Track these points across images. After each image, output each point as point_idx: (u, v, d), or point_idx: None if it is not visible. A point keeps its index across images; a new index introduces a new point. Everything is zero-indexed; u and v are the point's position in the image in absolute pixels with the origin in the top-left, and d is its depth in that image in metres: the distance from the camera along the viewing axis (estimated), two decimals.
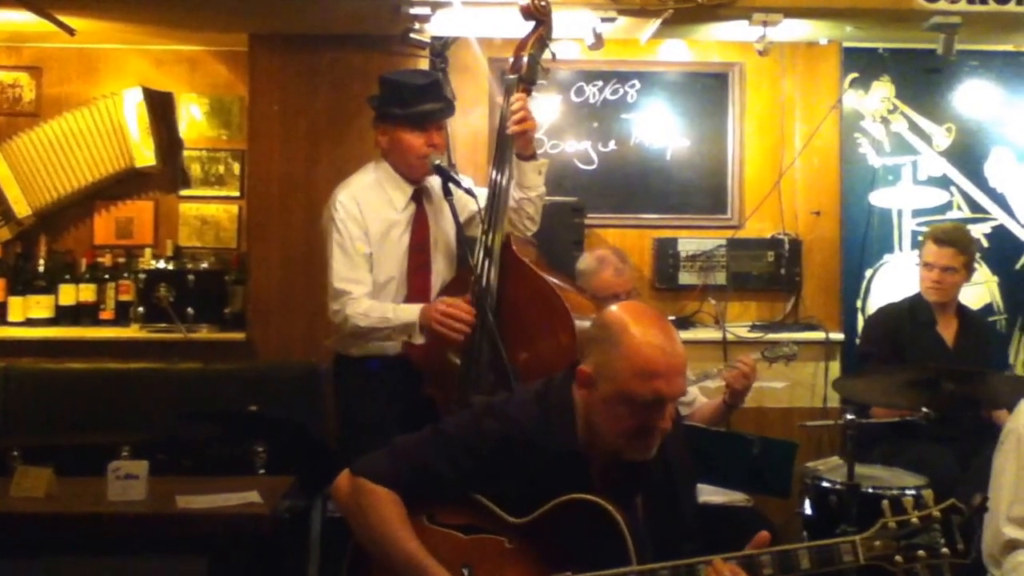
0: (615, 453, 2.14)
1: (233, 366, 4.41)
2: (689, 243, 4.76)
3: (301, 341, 4.42)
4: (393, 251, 3.36)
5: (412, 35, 4.19)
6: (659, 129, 4.84)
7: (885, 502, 1.91)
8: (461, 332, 3.06)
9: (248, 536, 3.04)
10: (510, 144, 3.29)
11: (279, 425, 3.73)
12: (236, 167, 4.88)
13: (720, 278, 4.74)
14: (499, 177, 3.24)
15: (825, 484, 3.33)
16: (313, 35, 4.52)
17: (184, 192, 4.90)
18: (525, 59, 3.32)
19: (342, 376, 3.51)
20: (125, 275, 4.69)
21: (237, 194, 4.88)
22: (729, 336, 4.55)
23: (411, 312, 3.21)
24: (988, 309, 4.85)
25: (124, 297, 4.67)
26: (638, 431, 2.07)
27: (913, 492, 3.10)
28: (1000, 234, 4.90)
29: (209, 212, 4.89)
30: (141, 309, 4.54)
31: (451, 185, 3.25)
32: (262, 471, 3.54)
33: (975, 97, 4.89)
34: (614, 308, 2.20)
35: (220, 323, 4.59)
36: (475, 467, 2.15)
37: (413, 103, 3.33)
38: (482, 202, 3.23)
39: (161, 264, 4.63)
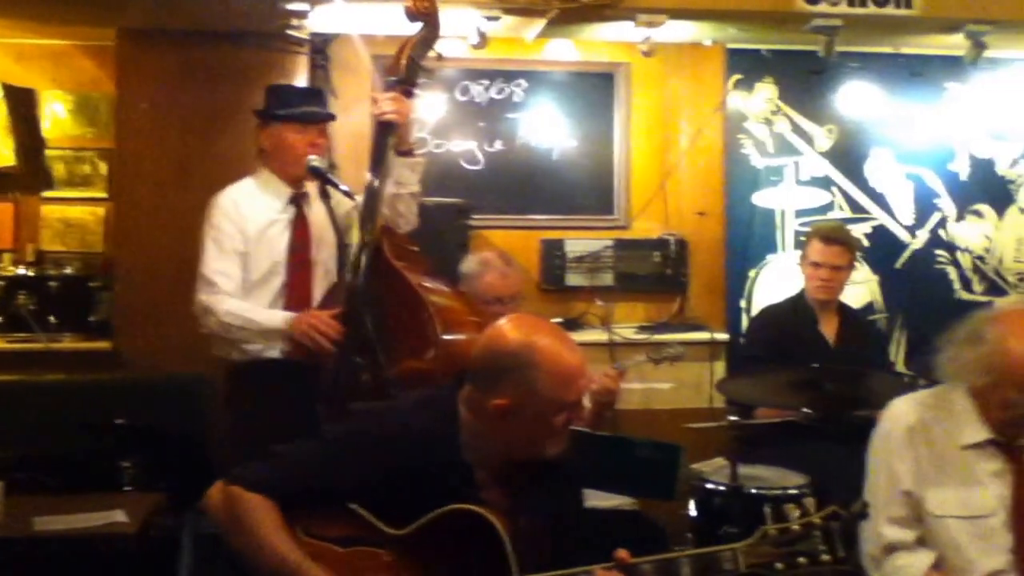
0: (528, 457, 2.11)
1: (99, 377, 4.23)
2: (576, 244, 4.74)
3: (172, 350, 4.22)
4: (271, 248, 3.32)
5: (290, 31, 4.07)
6: (546, 129, 4.81)
7: (767, 509, 1.88)
8: (324, 348, 3.03)
9: (112, 558, 2.95)
10: (385, 145, 3.22)
11: (148, 438, 3.65)
12: (103, 167, 4.68)
13: (607, 279, 4.74)
14: (373, 179, 3.17)
15: (709, 486, 3.32)
16: (186, 30, 4.34)
17: (47, 193, 4.70)
18: (404, 60, 3.25)
19: (232, 383, 3.41)
20: None
21: (104, 195, 4.68)
22: (616, 337, 4.53)
23: (277, 319, 3.17)
24: (869, 308, 4.97)
25: None
26: (563, 431, 2.08)
27: (796, 492, 3.11)
28: (880, 234, 5.02)
29: (74, 214, 4.67)
30: None
31: (328, 187, 3.21)
32: (129, 488, 3.46)
33: (856, 98, 4.99)
34: (508, 334, 2.10)
35: (85, 332, 4.42)
36: (355, 476, 2.08)
37: (297, 104, 3.38)
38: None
39: (21, 270, 4.45)
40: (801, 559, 1.82)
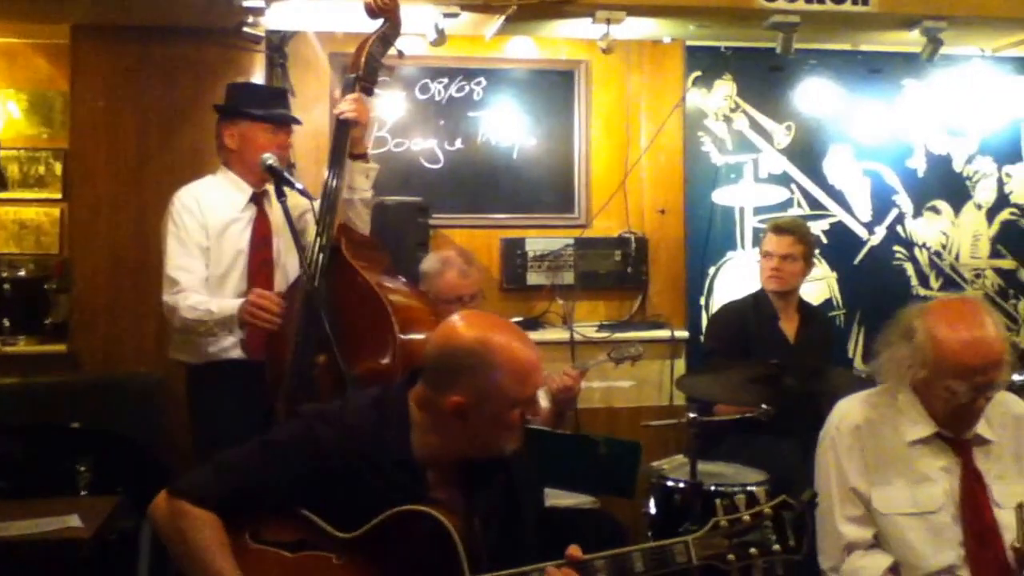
0: (483, 455, 2.10)
1: (55, 380, 4.12)
2: (537, 243, 4.73)
3: (129, 352, 4.18)
4: (232, 245, 3.34)
5: (246, 28, 4.03)
6: (506, 127, 4.80)
7: (718, 501, 1.88)
8: (270, 323, 3.04)
9: (66, 563, 2.89)
10: (343, 146, 3.22)
11: (105, 441, 3.58)
12: (58, 167, 4.59)
13: (568, 278, 4.73)
14: (331, 179, 3.17)
15: (669, 483, 3.34)
16: (140, 27, 4.25)
17: (0, 195, 4.57)
18: (364, 58, 3.24)
19: (193, 386, 3.42)
20: None
21: (59, 196, 4.58)
22: (577, 336, 4.53)
23: (231, 306, 3.18)
24: (828, 304, 5.00)
25: None
26: (519, 426, 2.07)
27: (754, 488, 3.11)
28: (838, 230, 5.05)
29: (28, 216, 4.59)
30: None
31: (284, 187, 3.17)
32: (85, 491, 3.39)
33: (814, 95, 5.03)
34: (462, 331, 2.08)
35: (40, 334, 4.33)
36: (304, 478, 2.05)
37: (272, 105, 3.42)
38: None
39: None
40: (752, 550, 1.83)
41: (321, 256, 3.04)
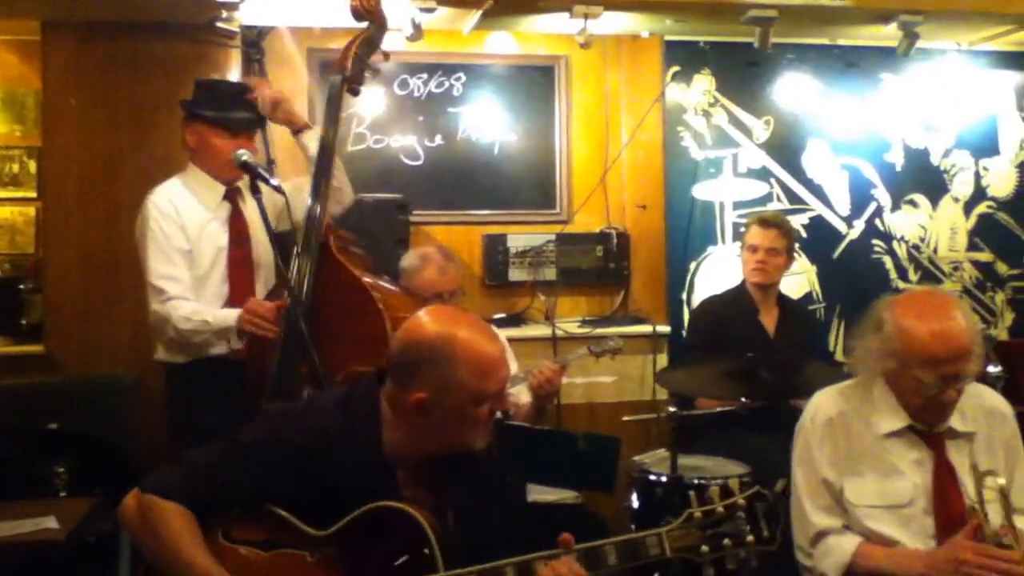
0: (452, 451, 2.08)
1: (31, 381, 4.09)
2: (518, 239, 4.71)
3: (106, 352, 4.14)
4: (210, 245, 3.30)
5: (220, 24, 4.00)
6: (486, 123, 4.77)
7: (692, 493, 1.87)
8: (268, 329, 3.00)
9: (42, 565, 2.86)
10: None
11: (82, 443, 3.57)
12: (32, 165, 4.56)
13: (550, 274, 4.71)
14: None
15: (651, 477, 3.33)
16: (112, 23, 4.21)
17: None
18: (351, 59, 3.24)
19: (173, 385, 3.38)
20: None
21: (34, 195, 4.53)
22: (559, 332, 4.52)
23: (229, 316, 3.14)
24: (808, 298, 5.00)
25: None
26: (487, 422, 2.06)
27: (722, 482, 3.10)
28: (818, 224, 5.06)
29: (3, 215, 4.57)
30: None
31: (259, 183, 3.13)
32: (64, 493, 3.39)
33: (792, 90, 5.03)
34: (425, 326, 2.07)
35: (16, 335, 4.32)
36: (274, 478, 2.03)
37: (226, 108, 3.33)
38: (292, 199, 3.15)
39: None
40: (726, 541, 1.82)
41: (307, 256, 3.03)
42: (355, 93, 3.34)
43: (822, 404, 2.57)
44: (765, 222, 4.07)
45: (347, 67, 3.25)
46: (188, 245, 3.25)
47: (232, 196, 3.38)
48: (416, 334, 2.06)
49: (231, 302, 3.28)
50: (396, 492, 2.05)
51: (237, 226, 3.36)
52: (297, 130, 3.35)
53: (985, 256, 5.24)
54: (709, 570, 1.84)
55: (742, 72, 4.95)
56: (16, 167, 4.57)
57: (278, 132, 4.35)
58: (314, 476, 2.02)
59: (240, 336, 3.12)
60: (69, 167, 4.22)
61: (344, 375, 2.89)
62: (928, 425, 2.45)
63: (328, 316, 3.01)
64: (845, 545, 2.43)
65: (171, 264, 3.22)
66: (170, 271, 3.21)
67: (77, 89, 4.22)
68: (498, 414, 3.33)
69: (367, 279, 3.05)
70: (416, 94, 4.71)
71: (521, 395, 3.69)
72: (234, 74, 4.29)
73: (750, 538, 1.81)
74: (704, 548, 1.83)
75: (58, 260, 4.23)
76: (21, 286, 4.38)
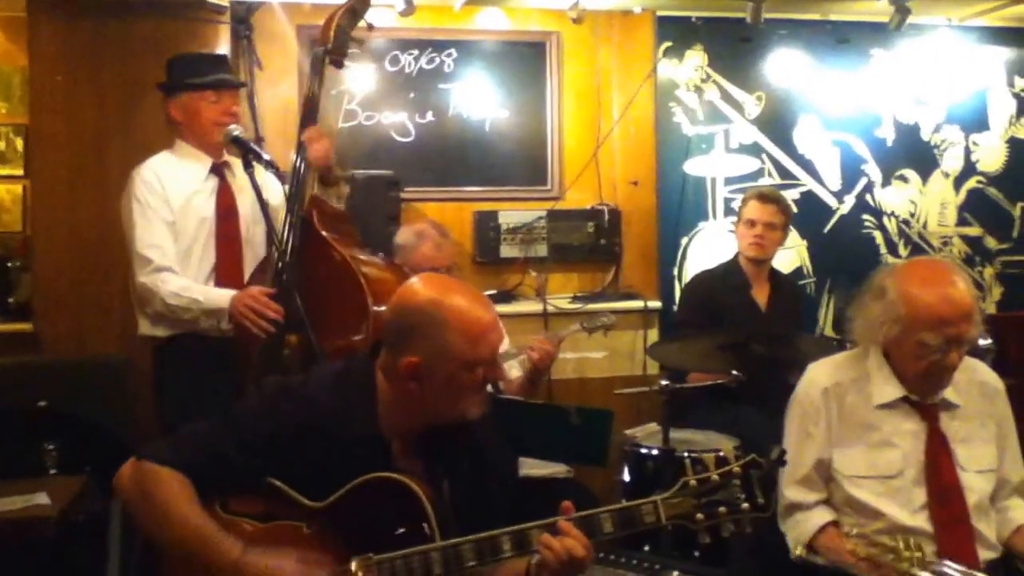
0: (446, 421, 2.07)
1: (20, 360, 4.07)
2: (510, 216, 4.70)
3: (94, 331, 4.11)
4: (195, 217, 3.29)
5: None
6: (478, 100, 4.76)
7: (687, 461, 1.87)
8: (263, 330, 2.99)
9: (33, 541, 2.91)
10: (312, 122, 3.23)
11: (72, 421, 3.56)
12: (19, 143, 4.51)
13: (541, 250, 4.71)
14: (299, 161, 3.17)
15: (642, 450, 3.35)
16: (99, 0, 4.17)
17: None
18: (333, 31, 3.22)
19: (160, 362, 3.36)
20: None
21: (21, 173, 4.49)
22: (550, 308, 4.52)
23: (222, 298, 3.13)
24: (798, 273, 5.02)
25: None
26: (479, 390, 2.05)
27: (721, 451, 3.12)
28: (809, 199, 5.06)
29: None
30: None
31: (251, 158, 3.14)
32: (54, 471, 3.39)
33: (784, 66, 5.02)
34: (417, 291, 2.07)
35: (4, 314, 4.31)
36: (269, 451, 2.03)
37: (207, 72, 3.32)
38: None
39: None
40: (721, 508, 1.82)
41: (292, 230, 3.02)
42: (339, 66, 3.35)
43: (817, 376, 2.58)
44: (764, 197, 4.07)
45: (329, 39, 3.25)
46: (172, 216, 3.24)
47: (220, 170, 3.37)
48: (408, 300, 2.06)
49: (218, 276, 3.29)
50: (391, 464, 2.04)
51: (225, 201, 3.35)
52: (327, 183, 3.30)
53: (974, 231, 5.27)
54: (705, 537, 1.84)
55: (734, 48, 4.94)
56: (3, 145, 4.53)
57: (267, 109, 4.37)
58: (310, 449, 2.02)
59: (230, 319, 3.11)
60: (57, 145, 4.18)
61: (329, 347, 2.90)
62: (924, 395, 2.47)
63: (312, 289, 3.00)
64: (813, 520, 2.47)
65: (156, 233, 3.21)
66: (156, 240, 3.20)
67: (64, 66, 4.17)
68: (488, 387, 3.39)
69: (350, 253, 3.06)
70: (407, 70, 4.69)
71: (512, 370, 3.70)
72: (222, 51, 4.23)
73: (745, 506, 1.81)
74: (699, 516, 1.83)
75: (46, 239, 4.19)
76: (9, 264, 4.34)
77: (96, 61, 4.19)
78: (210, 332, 3.21)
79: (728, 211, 4.84)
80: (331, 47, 3.26)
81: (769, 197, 4.08)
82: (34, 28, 4.21)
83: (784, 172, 5.02)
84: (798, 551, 2.41)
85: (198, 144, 3.34)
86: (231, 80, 3.39)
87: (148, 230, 3.21)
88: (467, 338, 1.99)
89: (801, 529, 2.48)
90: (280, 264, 3.01)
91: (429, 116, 4.71)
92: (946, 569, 2.23)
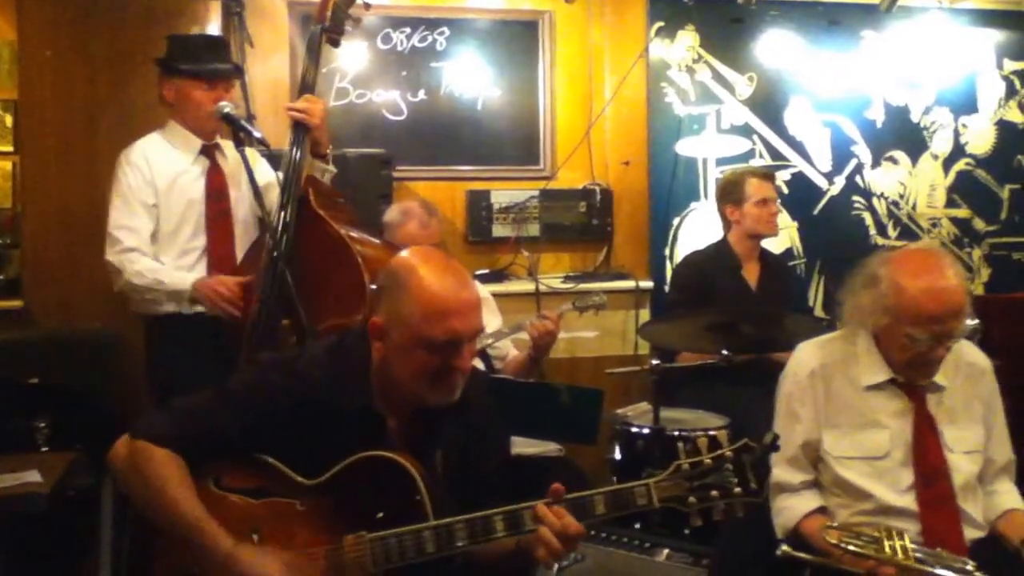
0: (418, 401, 2.08)
1: (10, 336, 4.05)
2: (502, 195, 4.70)
3: (85, 306, 4.08)
4: (183, 196, 3.30)
5: None
6: (470, 78, 4.73)
7: (680, 444, 1.89)
8: (231, 315, 3.09)
9: (25, 518, 2.91)
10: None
11: (64, 397, 3.57)
12: (8, 119, 4.47)
13: (533, 230, 4.72)
14: (294, 150, 3.15)
15: (633, 429, 3.36)
16: None
17: None
18: (330, 9, 3.20)
19: (152, 338, 3.39)
20: None
21: (11, 149, 4.46)
22: (542, 287, 4.53)
23: (183, 281, 3.19)
24: (789, 254, 5.03)
25: None
26: (437, 374, 2.02)
27: (715, 433, 3.15)
28: (799, 181, 5.08)
29: None
30: None
31: (243, 135, 3.17)
32: (46, 448, 3.40)
33: (775, 47, 5.02)
34: (402, 255, 2.12)
35: None
36: (263, 426, 2.04)
37: (203, 60, 3.32)
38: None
39: None
40: (713, 492, 1.84)
41: (287, 222, 3.02)
42: (335, 44, 3.34)
43: (805, 356, 2.60)
44: (765, 175, 4.10)
45: (326, 17, 3.23)
46: (154, 200, 3.26)
47: (210, 151, 3.37)
48: (390, 263, 2.11)
49: (210, 256, 3.30)
50: (385, 441, 2.06)
51: (215, 181, 3.35)
52: (317, 154, 3.29)
53: (963, 212, 5.29)
54: (696, 520, 1.86)
55: (726, 28, 4.93)
56: None
57: (258, 86, 4.34)
58: (304, 425, 2.03)
59: (192, 303, 3.19)
60: (46, 120, 4.16)
61: (324, 327, 2.90)
62: (911, 380, 2.49)
63: (307, 268, 3.01)
64: (799, 507, 2.49)
65: (132, 216, 3.24)
66: (129, 222, 3.23)
67: (54, 40, 4.14)
68: (481, 366, 3.40)
69: (346, 231, 3.06)
70: (399, 48, 4.67)
71: (509, 349, 3.72)
72: (213, 27, 4.22)
73: (738, 490, 1.83)
74: (691, 499, 1.84)
75: (36, 215, 4.18)
76: None
77: (86, 35, 4.16)
78: (202, 309, 3.21)
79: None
80: (328, 25, 3.24)
81: (768, 175, 4.13)
82: (22, 2, 4.16)
83: (775, 153, 5.03)
84: (782, 548, 2.40)
85: (189, 126, 3.34)
86: (225, 71, 3.38)
87: (123, 211, 3.25)
88: (423, 312, 1.98)
89: (788, 516, 2.50)
90: (273, 245, 3.00)
91: (421, 94, 4.69)
92: (926, 556, 2.26)
